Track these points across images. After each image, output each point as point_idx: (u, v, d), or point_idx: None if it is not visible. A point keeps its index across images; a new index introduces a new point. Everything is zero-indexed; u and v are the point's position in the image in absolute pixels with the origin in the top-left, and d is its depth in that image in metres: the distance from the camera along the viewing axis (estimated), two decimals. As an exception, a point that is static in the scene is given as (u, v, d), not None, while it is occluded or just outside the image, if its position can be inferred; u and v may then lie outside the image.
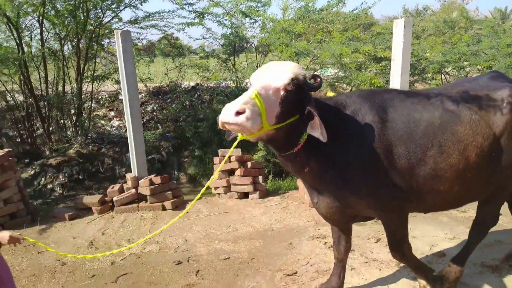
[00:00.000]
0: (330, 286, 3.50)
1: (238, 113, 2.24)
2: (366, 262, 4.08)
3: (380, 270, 3.95)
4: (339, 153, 2.71)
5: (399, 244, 3.12)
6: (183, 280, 4.02)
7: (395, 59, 5.89)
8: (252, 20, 8.35)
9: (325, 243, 4.52)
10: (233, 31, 8.38)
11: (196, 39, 9.36)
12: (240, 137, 2.57)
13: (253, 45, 9.37)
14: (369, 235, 4.64)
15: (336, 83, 8.44)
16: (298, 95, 2.47)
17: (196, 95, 10.03)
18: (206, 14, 8.53)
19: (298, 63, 8.47)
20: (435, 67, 8.22)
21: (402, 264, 3.93)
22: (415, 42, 8.84)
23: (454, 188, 2.92)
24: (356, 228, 4.82)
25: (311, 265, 4.12)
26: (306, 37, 8.96)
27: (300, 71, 2.49)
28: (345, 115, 2.78)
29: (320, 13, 7.94)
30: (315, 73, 2.65)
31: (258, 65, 7.98)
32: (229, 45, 8.65)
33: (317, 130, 2.46)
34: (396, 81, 5.78)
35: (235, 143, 2.78)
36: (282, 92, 2.41)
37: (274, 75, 2.44)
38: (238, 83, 8.33)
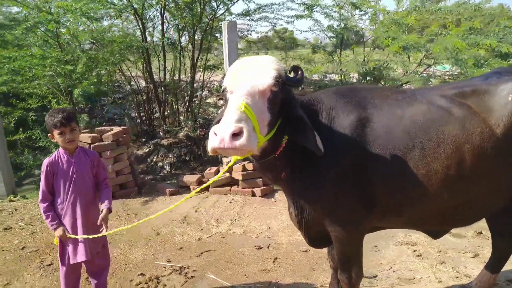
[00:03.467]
0: None
1: (235, 135, 1.91)
2: (457, 277, 3.69)
3: None
4: (309, 157, 2.39)
5: (348, 265, 2.71)
6: (260, 264, 4.10)
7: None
8: (362, 12, 8.03)
9: (414, 250, 4.19)
10: (341, 23, 8.16)
11: (303, 31, 9.30)
12: (234, 158, 2.35)
13: (362, 39, 9.02)
14: (467, 249, 4.17)
15: (451, 81, 7.70)
16: (282, 94, 2.21)
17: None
18: (315, 6, 8.46)
19: (409, 58, 8.00)
20: None
21: (497, 284, 3.48)
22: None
23: (443, 198, 2.45)
24: (452, 239, 4.38)
25: (394, 271, 3.87)
26: (422, 31, 8.31)
27: (281, 66, 2.22)
28: (319, 114, 2.47)
29: (437, 3, 7.31)
30: (295, 64, 2.33)
31: (365, 58, 7.65)
32: (336, 37, 8.45)
33: (310, 141, 2.22)
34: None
35: (229, 166, 2.69)
36: (268, 95, 2.14)
37: (255, 75, 2.13)
38: (343, 76, 8.11)
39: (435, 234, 3.05)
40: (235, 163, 2.48)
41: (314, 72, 7.20)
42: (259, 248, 4.44)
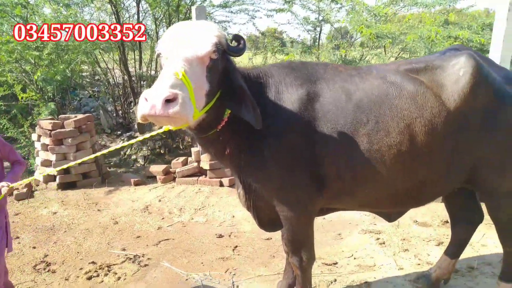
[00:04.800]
0: (282, 283, 3.13)
1: (168, 102, 1.72)
2: (419, 264, 3.56)
3: (433, 275, 3.41)
4: (255, 133, 2.22)
5: (298, 247, 2.58)
6: (219, 253, 3.94)
7: (495, 48, 5.06)
8: (339, 5, 7.93)
9: (378, 238, 4.06)
10: (319, 16, 8.06)
11: (281, 24, 9.18)
12: (166, 128, 2.11)
13: (340, 32, 8.93)
14: (431, 237, 4.05)
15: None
16: (222, 63, 2.05)
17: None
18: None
19: (384, 51, 7.93)
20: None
21: (458, 271, 3.37)
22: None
23: (396, 176, 2.35)
24: (417, 228, 4.27)
25: (354, 258, 3.73)
26: (399, 24, 8.24)
27: (222, 33, 2.04)
28: (266, 88, 2.32)
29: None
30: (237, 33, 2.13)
31: (337, 47, 7.57)
32: (314, 30, 8.35)
33: (249, 113, 2.05)
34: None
35: (155, 133, 2.43)
36: (207, 63, 1.96)
37: (194, 41, 1.94)
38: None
39: (390, 217, 2.92)
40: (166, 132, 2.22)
41: (287, 60, 7.05)
42: (220, 236, 4.27)
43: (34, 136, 5.94)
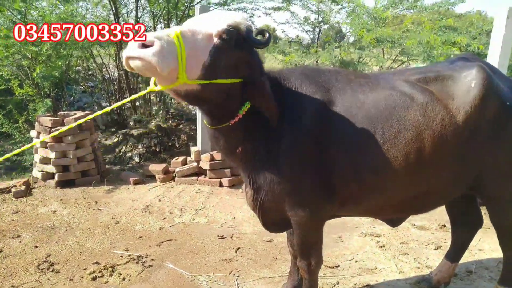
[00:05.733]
0: (287, 285, 3.19)
1: (145, 46, 1.80)
2: (418, 268, 3.65)
3: (433, 279, 3.50)
4: (271, 136, 2.31)
5: (308, 252, 2.63)
6: (222, 254, 3.97)
7: (493, 54, 5.16)
8: (340, 6, 7.98)
9: (377, 241, 4.15)
10: (318, 16, 8.10)
11: (281, 23, 9.20)
12: (150, 88, 2.10)
13: (340, 34, 8.99)
14: (430, 241, 4.14)
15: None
16: (240, 50, 2.06)
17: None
18: (295, -1, 8.36)
19: (383, 53, 8.03)
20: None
21: (456, 275, 3.46)
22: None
23: (402, 186, 2.41)
24: (416, 231, 4.36)
25: (356, 261, 3.80)
26: (397, 27, 8.33)
27: (244, 21, 2.06)
28: (285, 91, 2.37)
29: (415, 1, 7.32)
30: (263, 28, 2.18)
31: (340, 51, 7.62)
32: (313, 30, 8.39)
33: (268, 106, 2.15)
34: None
35: (143, 93, 2.43)
36: (215, 40, 1.98)
37: (210, 20, 2.02)
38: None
39: (393, 222, 2.98)
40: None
41: (287, 62, 7.11)
42: (222, 237, 4.31)
43: (33, 133, 5.89)
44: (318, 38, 8.45)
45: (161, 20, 9.06)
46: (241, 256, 3.94)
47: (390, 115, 2.34)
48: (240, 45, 2.06)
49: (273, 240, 4.21)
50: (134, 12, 8.55)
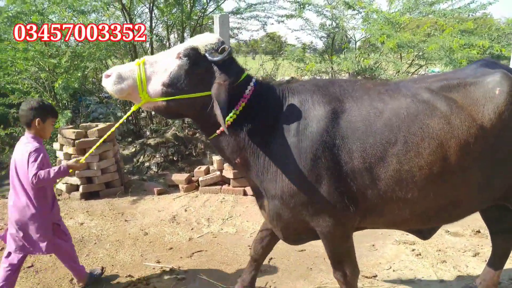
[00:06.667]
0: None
1: (108, 77, 2.31)
2: (459, 276, 3.58)
3: (476, 287, 3.43)
4: (276, 148, 2.36)
5: (339, 261, 2.60)
6: (255, 265, 3.92)
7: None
8: (355, 12, 7.97)
9: (413, 249, 4.08)
10: (333, 22, 8.09)
11: (294, 30, 9.20)
12: (134, 106, 2.50)
13: (352, 38, 8.96)
14: (466, 248, 4.07)
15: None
16: (200, 68, 2.30)
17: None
18: (308, 5, 8.36)
19: (401, 57, 7.98)
20: None
21: (500, 283, 3.38)
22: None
23: (428, 196, 2.32)
24: (450, 238, 4.29)
25: (394, 270, 3.74)
26: (413, 31, 8.29)
27: (209, 43, 2.33)
28: (290, 103, 2.40)
29: (431, 6, 7.28)
30: (224, 46, 2.37)
31: (357, 58, 7.59)
32: (328, 37, 8.38)
33: (216, 108, 2.21)
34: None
35: (128, 114, 3.18)
36: (176, 61, 2.31)
37: (180, 45, 2.40)
38: (333, 75, 8.02)
39: (423, 234, 2.90)
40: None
41: (308, 69, 7.08)
42: (253, 248, 4.26)
43: (55, 145, 5.90)
44: (333, 44, 8.42)
45: (175, 29, 9.10)
46: (275, 267, 3.88)
47: (413, 123, 2.28)
48: (198, 63, 2.31)
49: (305, 250, 4.15)
50: (148, 23, 8.58)
